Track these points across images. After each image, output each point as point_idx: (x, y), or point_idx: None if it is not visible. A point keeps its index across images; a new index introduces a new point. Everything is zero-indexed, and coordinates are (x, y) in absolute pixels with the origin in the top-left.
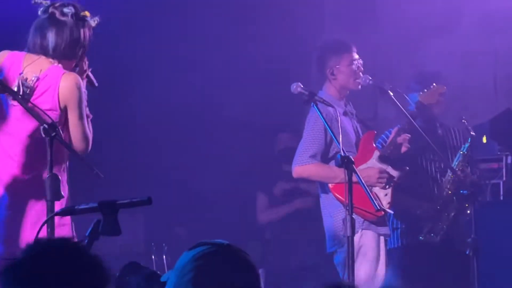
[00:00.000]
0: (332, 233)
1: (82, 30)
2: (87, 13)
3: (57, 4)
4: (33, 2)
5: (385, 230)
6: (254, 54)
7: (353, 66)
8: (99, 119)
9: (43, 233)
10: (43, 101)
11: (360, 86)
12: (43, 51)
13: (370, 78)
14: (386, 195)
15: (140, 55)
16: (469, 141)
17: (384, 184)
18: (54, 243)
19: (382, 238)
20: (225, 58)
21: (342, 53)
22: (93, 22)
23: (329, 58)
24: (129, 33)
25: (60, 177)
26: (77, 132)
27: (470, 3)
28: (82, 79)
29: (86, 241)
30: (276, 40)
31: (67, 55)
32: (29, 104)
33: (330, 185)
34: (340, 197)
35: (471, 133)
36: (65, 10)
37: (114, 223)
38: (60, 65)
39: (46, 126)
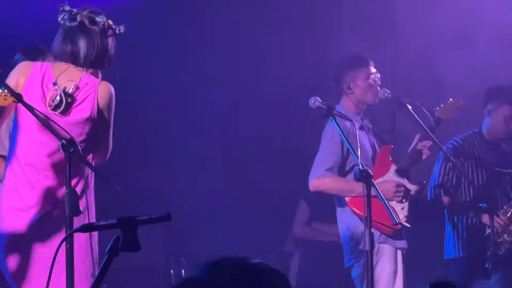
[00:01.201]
0: (349, 247)
1: (109, 39)
2: (111, 22)
3: (85, 12)
4: (61, 8)
5: (402, 243)
6: (272, 67)
7: (370, 80)
8: (116, 135)
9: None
10: (83, 109)
11: (378, 100)
12: (73, 58)
13: (389, 91)
14: (403, 208)
15: (157, 71)
16: None
17: (401, 198)
18: (235, 263)
19: (399, 252)
20: (242, 72)
21: (358, 67)
22: (119, 31)
23: (345, 73)
24: (144, 46)
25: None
26: (105, 141)
27: (487, 16)
28: None
29: (105, 257)
30: (294, 54)
31: (96, 64)
32: (47, 119)
33: (346, 198)
34: (357, 210)
35: None
36: (98, 19)
37: (134, 239)
38: (89, 73)
39: (64, 141)
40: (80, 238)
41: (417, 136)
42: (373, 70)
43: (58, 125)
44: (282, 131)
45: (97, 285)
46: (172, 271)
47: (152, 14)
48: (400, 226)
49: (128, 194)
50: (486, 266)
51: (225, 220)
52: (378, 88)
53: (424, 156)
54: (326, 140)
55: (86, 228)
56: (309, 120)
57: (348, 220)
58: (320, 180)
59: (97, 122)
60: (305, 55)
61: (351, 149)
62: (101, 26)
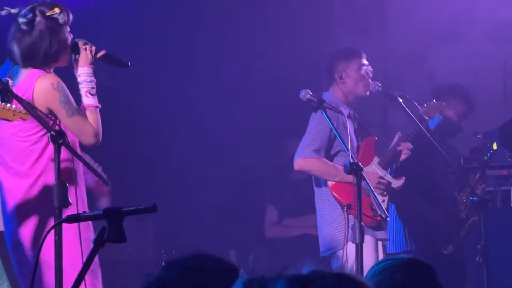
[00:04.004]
0: (327, 236)
1: (46, 32)
2: (56, 10)
3: (21, 12)
4: (2, 13)
5: (382, 234)
6: (263, 60)
7: (362, 71)
8: (106, 127)
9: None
10: (20, 106)
11: (368, 92)
12: (15, 62)
13: (380, 84)
14: (383, 201)
15: (148, 63)
16: (488, 155)
17: (382, 191)
18: (206, 263)
19: (379, 242)
20: (233, 65)
21: (351, 58)
22: (61, 19)
23: (338, 63)
24: (136, 39)
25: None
26: (75, 129)
27: (480, 11)
28: (92, 63)
29: (91, 248)
30: (286, 47)
31: (39, 61)
32: (37, 111)
33: (329, 183)
34: (338, 196)
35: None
36: (20, 20)
37: (120, 230)
38: (38, 69)
39: (53, 133)
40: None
41: (397, 135)
42: (365, 62)
43: (44, 114)
44: (275, 126)
45: (82, 276)
46: (163, 264)
47: (146, 14)
48: (379, 217)
49: (121, 188)
50: (477, 259)
51: (216, 213)
52: (370, 80)
53: (403, 157)
54: (315, 123)
55: (73, 219)
56: (302, 113)
57: (324, 208)
58: (306, 159)
59: (45, 115)
60: (298, 48)
61: (340, 141)
62: (27, 21)
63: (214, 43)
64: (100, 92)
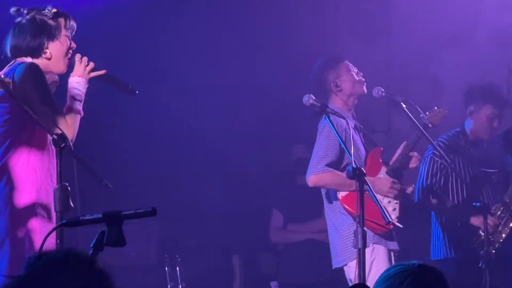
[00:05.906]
0: (339, 248)
1: (24, 27)
2: (54, 10)
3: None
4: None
5: (394, 245)
6: (267, 66)
7: (352, 72)
8: (111, 130)
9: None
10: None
11: (365, 89)
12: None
13: (383, 90)
14: (394, 209)
15: (147, 67)
16: None
17: (394, 196)
18: (57, 256)
19: (392, 253)
20: (236, 70)
21: (338, 63)
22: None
23: (328, 73)
24: (136, 42)
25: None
26: (45, 120)
27: (484, 16)
28: (82, 75)
29: (91, 252)
30: (290, 52)
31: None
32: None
33: (339, 196)
34: (349, 208)
35: None
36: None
37: (119, 234)
38: (26, 58)
39: (55, 136)
40: None
41: (402, 145)
42: (350, 63)
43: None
44: (280, 131)
45: None
46: (166, 269)
47: (145, 14)
48: (392, 226)
49: (124, 192)
50: (480, 265)
51: (219, 218)
52: (362, 78)
53: (412, 165)
54: (324, 136)
55: (72, 223)
56: (307, 118)
57: (335, 219)
58: (319, 175)
59: (19, 99)
60: (302, 54)
61: (344, 147)
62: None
63: (217, 47)
64: (103, 94)
